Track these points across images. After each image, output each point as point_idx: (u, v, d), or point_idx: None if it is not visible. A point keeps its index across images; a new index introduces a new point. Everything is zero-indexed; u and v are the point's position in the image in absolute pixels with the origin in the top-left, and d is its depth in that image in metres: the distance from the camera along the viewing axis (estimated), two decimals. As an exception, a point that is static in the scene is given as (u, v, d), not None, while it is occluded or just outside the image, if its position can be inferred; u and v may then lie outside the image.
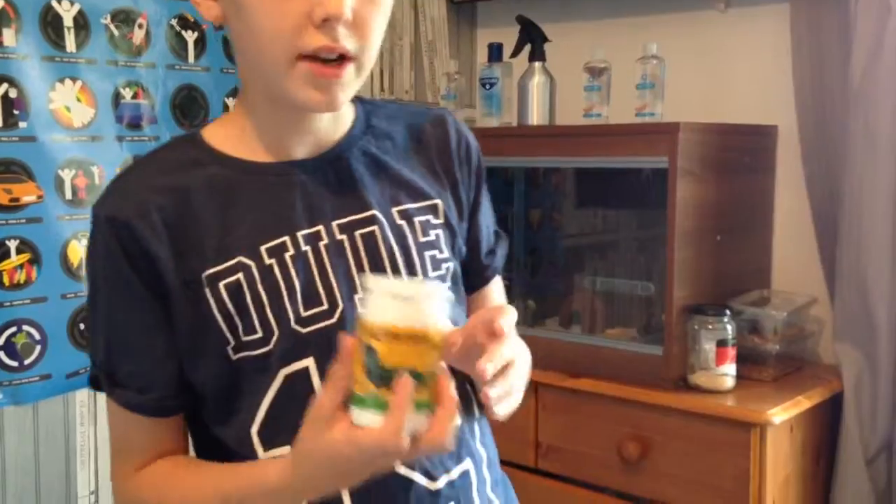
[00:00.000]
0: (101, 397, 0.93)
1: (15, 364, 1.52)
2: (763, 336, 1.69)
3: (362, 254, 0.83)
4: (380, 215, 0.84)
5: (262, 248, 0.80)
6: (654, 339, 1.66)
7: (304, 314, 0.80)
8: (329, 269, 0.82)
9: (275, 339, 0.79)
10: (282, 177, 0.83)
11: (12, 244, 1.51)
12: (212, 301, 0.79)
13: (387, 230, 0.84)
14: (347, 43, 0.76)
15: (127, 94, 1.64)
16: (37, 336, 1.55)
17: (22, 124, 1.50)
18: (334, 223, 0.83)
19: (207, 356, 0.80)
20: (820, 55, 1.79)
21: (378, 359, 0.65)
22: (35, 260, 1.53)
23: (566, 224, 2.08)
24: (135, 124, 1.66)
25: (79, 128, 1.57)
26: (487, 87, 2.01)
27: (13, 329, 1.52)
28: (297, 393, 0.78)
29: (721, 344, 1.56)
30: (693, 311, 1.61)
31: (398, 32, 2.20)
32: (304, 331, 0.80)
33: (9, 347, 1.52)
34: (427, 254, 0.86)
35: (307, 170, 0.83)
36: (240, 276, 0.79)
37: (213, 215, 0.80)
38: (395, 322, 0.65)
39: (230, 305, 0.79)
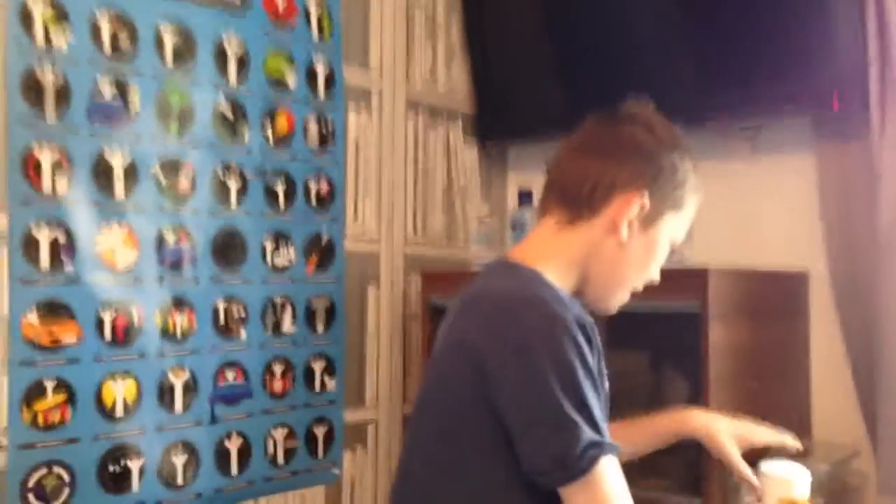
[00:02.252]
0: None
1: (41, 507, 1.51)
2: (806, 489, 1.63)
3: None
4: None
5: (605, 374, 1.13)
6: (693, 491, 1.61)
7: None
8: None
9: None
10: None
11: (49, 384, 1.53)
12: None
13: None
14: None
15: (170, 237, 1.70)
16: (66, 478, 1.54)
17: (68, 268, 1.55)
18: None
19: None
20: (848, 201, 1.82)
21: None
22: (70, 400, 1.55)
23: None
24: (176, 266, 1.71)
25: (122, 270, 1.62)
26: (517, 229, 2.05)
27: (44, 470, 1.52)
28: None
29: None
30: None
31: (431, 178, 2.28)
32: None
33: (38, 490, 1.51)
34: None
35: None
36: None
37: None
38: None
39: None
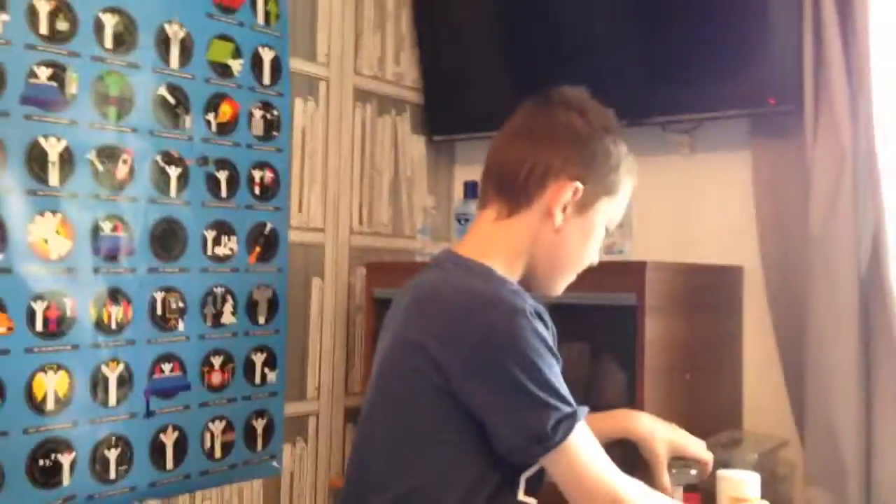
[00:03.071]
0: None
1: (-32, 500, 1.48)
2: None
3: None
4: None
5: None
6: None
7: None
8: None
9: None
10: None
11: (-23, 376, 1.50)
12: None
13: None
14: None
15: (106, 226, 1.67)
16: (-6, 471, 1.51)
17: (-1, 255, 1.52)
18: None
19: None
20: (781, 199, 1.86)
21: None
22: (-1, 392, 1.52)
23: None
24: (112, 256, 1.68)
25: (55, 260, 1.59)
26: (463, 222, 2.06)
27: (-30, 464, 1.49)
28: None
29: (689, 489, 1.54)
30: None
31: (378, 168, 2.27)
32: None
33: (-35, 483, 1.48)
34: None
35: None
36: None
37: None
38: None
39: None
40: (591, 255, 1.27)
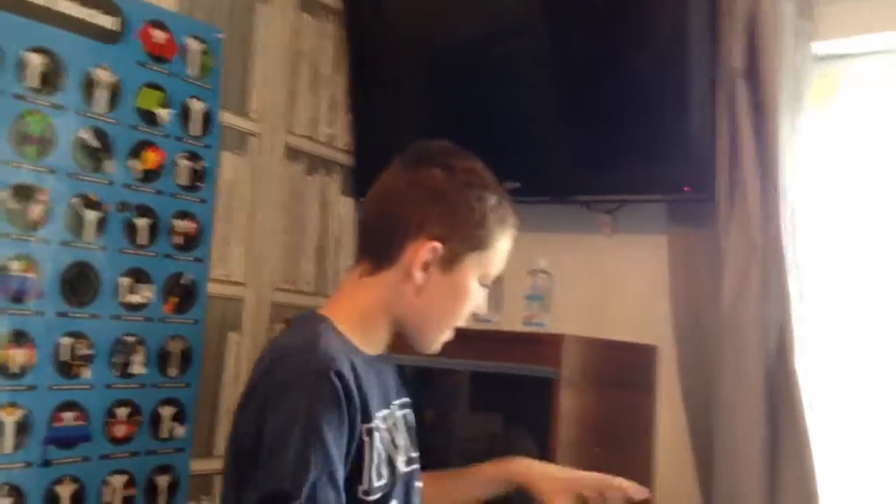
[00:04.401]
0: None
1: None
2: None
3: (405, 427, 1.24)
4: (406, 400, 1.28)
5: (379, 415, 1.14)
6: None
7: (396, 466, 1.15)
8: (402, 435, 1.21)
9: (391, 483, 1.13)
10: (379, 366, 1.20)
11: None
12: (372, 447, 1.09)
13: (409, 413, 1.27)
14: None
15: (15, 266, 1.61)
16: None
17: None
18: (396, 402, 1.23)
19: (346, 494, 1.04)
20: (695, 282, 1.93)
21: None
22: None
23: (458, 427, 2.08)
24: (18, 298, 1.62)
25: (-43, 298, 1.53)
26: (385, 285, 2.06)
27: None
28: None
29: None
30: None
31: (304, 227, 2.27)
32: (396, 479, 1.15)
33: None
34: (415, 437, 1.27)
35: (381, 362, 1.22)
36: (378, 431, 1.11)
37: (366, 385, 1.10)
38: None
39: (380, 452, 1.11)
40: (463, 312, 1.21)
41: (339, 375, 1.03)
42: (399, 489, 1.15)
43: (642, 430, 1.95)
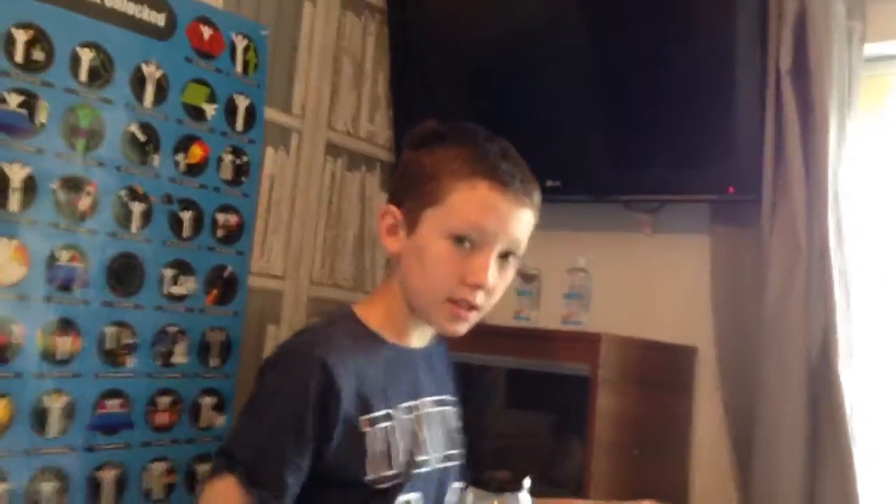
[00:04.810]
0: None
1: None
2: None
3: (442, 424, 1.23)
4: (448, 398, 1.26)
5: (400, 406, 1.15)
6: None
7: (418, 460, 1.15)
8: (430, 430, 1.19)
9: (403, 476, 1.12)
10: (410, 357, 1.21)
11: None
12: (374, 437, 1.10)
13: (448, 411, 1.26)
14: (480, 299, 1.13)
15: (63, 256, 1.65)
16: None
17: (-51, 277, 1.49)
18: (430, 398, 1.21)
19: (347, 481, 1.08)
20: (737, 284, 1.90)
21: None
22: (-66, 417, 1.47)
23: (494, 423, 2.08)
24: (66, 286, 1.65)
25: (7, 285, 1.56)
26: (424, 282, 2.07)
27: None
28: None
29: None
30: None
31: (344, 223, 2.28)
32: (418, 472, 1.15)
33: None
34: (459, 437, 1.27)
35: (419, 356, 1.22)
36: (390, 422, 1.13)
37: (381, 376, 1.14)
38: None
39: (390, 443, 1.11)
40: (440, 275, 1.12)
41: (319, 361, 1.06)
42: (422, 484, 1.16)
43: (680, 432, 1.93)
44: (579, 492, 1.63)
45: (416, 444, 1.16)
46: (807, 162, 1.73)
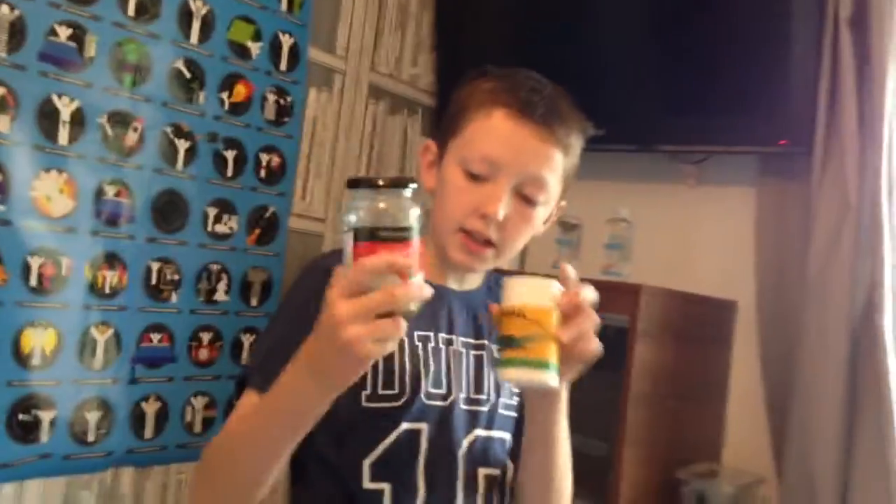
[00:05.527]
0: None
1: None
2: (708, 510, 1.67)
3: (472, 367, 1.14)
4: (487, 343, 1.16)
5: (415, 333, 1.10)
6: (600, 499, 1.64)
7: (430, 390, 1.08)
8: (452, 367, 1.12)
9: (405, 399, 1.06)
10: (441, 293, 1.12)
11: (-34, 324, 1.49)
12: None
13: (484, 357, 1.15)
14: (493, 234, 1.07)
15: (110, 191, 1.67)
16: (-28, 421, 1.50)
17: (0, 207, 1.52)
18: (461, 338, 1.15)
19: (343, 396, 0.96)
20: (782, 240, 1.87)
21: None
22: (-14, 343, 1.51)
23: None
24: (112, 221, 1.68)
25: (56, 218, 1.59)
26: (463, 228, 2.07)
27: (-52, 411, 1.48)
28: (409, 444, 1.06)
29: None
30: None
31: (385, 166, 2.28)
32: (427, 402, 1.08)
33: (-60, 430, 1.47)
34: (494, 384, 1.16)
35: (455, 297, 1.16)
36: (402, 344, 1.07)
37: None
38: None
39: (381, 360, 1.03)
40: (451, 205, 1.09)
41: (323, 268, 0.96)
42: (434, 417, 1.08)
43: (717, 385, 1.93)
44: (614, 441, 1.64)
45: (426, 373, 1.09)
46: (862, 115, 1.69)
